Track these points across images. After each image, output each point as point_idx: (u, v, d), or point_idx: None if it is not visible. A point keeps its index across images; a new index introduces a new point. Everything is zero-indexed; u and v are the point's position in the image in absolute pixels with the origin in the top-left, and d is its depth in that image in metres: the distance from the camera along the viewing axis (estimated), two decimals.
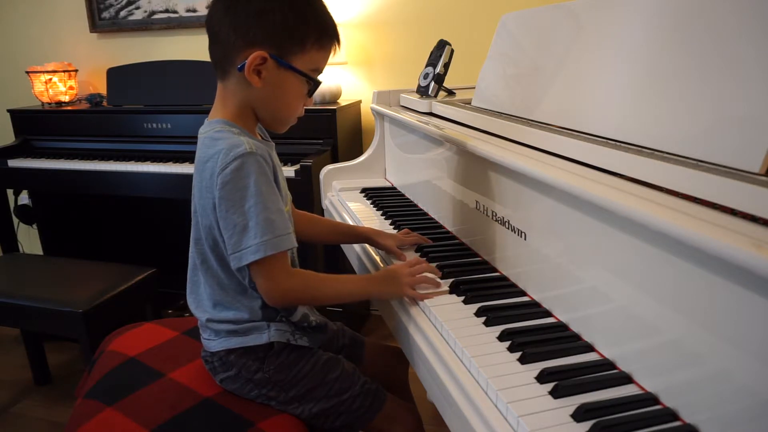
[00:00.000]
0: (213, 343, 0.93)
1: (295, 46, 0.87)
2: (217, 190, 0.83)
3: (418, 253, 1.13)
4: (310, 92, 0.92)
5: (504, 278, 0.99)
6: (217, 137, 0.86)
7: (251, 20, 0.85)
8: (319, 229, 1.17)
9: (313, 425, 0.97)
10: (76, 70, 2.49)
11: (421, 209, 1.41)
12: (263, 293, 0.88)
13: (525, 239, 0.92)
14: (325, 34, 0.89)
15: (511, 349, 0.77)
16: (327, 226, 1.19)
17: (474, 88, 1.33)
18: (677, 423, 0.62)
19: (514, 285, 0.96)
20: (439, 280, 0.98)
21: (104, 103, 2.37)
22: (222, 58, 0.88)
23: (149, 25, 2.48)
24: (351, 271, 1.36)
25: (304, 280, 0.91)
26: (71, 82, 2.46)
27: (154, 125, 2.21)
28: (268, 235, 0.83)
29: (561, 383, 0.69)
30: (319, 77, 0.92)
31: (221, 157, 0.83)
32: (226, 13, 0.86)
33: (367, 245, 1.22)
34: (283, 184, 0.94)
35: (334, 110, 2.00)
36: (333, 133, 2.02)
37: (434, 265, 1.05)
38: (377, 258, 1.16)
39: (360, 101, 2.26)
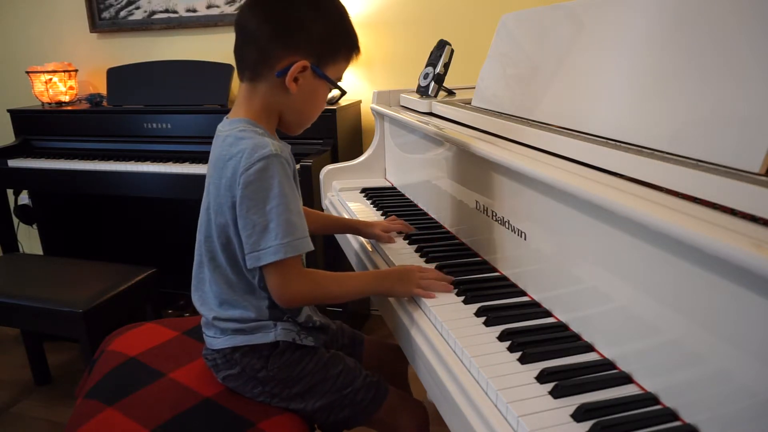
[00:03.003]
0: (217, 341, 0.93)
1: (329, 56, 0.91)
2: (240, 189, 0.84)
3: (414, 246, 1.13)
4: (332, 99, 0.96)
5: (504, 278, 0.99)
6: (242, 136, 0.87)
7: (294, 29, 0.87)
8: (310, 221, 1.17)
9: (317, 420, 0.97)
10: (76, 70, 2.49)
11: (421, 209, 1.41)
12: (273, 293, 0.88)
13: (525, 239, 0.92)
14: (354, 45, 0.95)
15: (511, 349, 0.77)
16: (317, 219, 1.22)
17: (474, 88, 1.33)
18: (677, 423, 0.62)
19: (514, 285, 0.96)
20: (450, 286, 0.96)
21: (104, 103, 2.37)
22: (257, 62, 0.89)
23: (149, 25, 2.48)
24: (350, 268, 1.36)
25: (314, 281, 0.91)
26: (71, 82, 2.46)
27: (154, 125, 2.21)
28: (289, 237, 0.83)
29: (561, 383, 0.69)
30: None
31: (245, 157, 0.83)
32: (266, 19, 0.87)
33: (364, 242, 1.23)
34: (298, 186, 0.95)
35: (334, 110, 1.99)
36: (333, 133, 2.02)
37: (435, 264, 1.05)
38: (375, 258, 1.16)
39: (360, 101, 2.26)
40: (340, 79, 0.96)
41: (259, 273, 0.89)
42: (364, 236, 1.21)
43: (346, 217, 1.43)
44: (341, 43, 0.92)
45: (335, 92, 0.98)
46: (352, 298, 0.99)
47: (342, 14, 0.93)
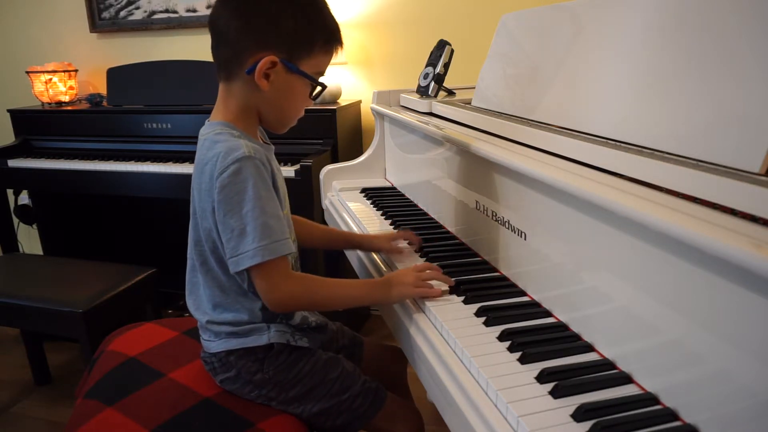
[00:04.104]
0: (213, 344, 0.93)
1: (303, 50, 0.87)
2: (216, 194, 0.83)
3: (419, 253, 1.13)
4: (315, 95, 0.93)
5: (504, 278, 0.99)
6: (217, 139, 0.86)
7: (262, 24, 0.84)
8: (310, 235, 1.13)
9: (314, 424, 0.97)
10: (76, 70, 2.49)
11: (421, 209, 1.41)
12: (262, 297, 0.87)
13: (525, 239, 0.92)
14: (332, 38, 0.90)
15: (511, 349, 0.77)
16: (319, 231, 1.16)
17: (474, 88, 1.33)
18: (677, 423, 0.62)
19: (514, 285, 0.96)
20: (446, 287, 0.95)
21: (104, 103, 2.37)
22: (229, 60, 0.87)
23: (149, 25, 2.48)
24: (352, 272, 1.36)
25: (305, 285, 0.89)
26: (71, 82, 2.46)
27: (154, 125, 2.21)
28: (266, 240, 0.82)
29: (561, 383, 0.69)
30: (320, 79, 0.92)
31: (219, 161, 0.82)
32: (235, 15, 0.85)
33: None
34: (283, 189, 0.93)
35: (334, 110, 2.00)
36: (333, 133, 2.02)
37: (435, 265, 1.05)
38: (378, 260, 1.16)
39: (360, 101, 2.26)
40: (322, 73, 0.92)
41: (247, 276, 0.88)
42: (369, 250, 1.16)
43: (348, 218, 1.43)
44: (317, 36, 0.88)
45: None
46: (346, 306, 0.95)
47: (317, 6, 0.88)
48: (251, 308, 0.91)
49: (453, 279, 0.97)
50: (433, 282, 0.95)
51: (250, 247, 0.82)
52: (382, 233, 1.17)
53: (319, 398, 0.94)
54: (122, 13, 2.52)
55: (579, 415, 0.64)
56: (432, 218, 1.33)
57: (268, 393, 0.93)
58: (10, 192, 2.41)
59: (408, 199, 1.50)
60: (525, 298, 0.92)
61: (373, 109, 1.67)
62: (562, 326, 0.83)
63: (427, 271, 0.97)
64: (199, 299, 0.94)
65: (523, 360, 0.75)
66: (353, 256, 1.31)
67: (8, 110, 2.37)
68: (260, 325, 0.92)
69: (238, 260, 0.83)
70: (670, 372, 0.64)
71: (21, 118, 2.37)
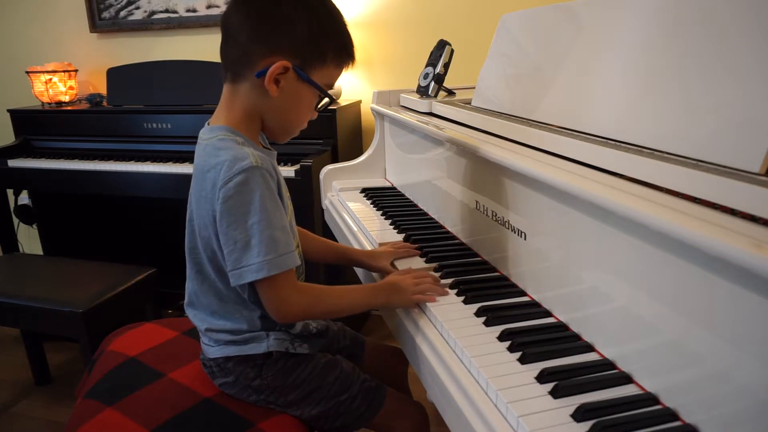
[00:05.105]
0: (211, 350, 0.93)
1: (316, 59, 0.86)
2: (219, 204, 0.81)
3: (423, 258, 1.12)
4: (320, 107, 0.91)
5: (504, 278, 0.99)
6: (221, 146, 0.83)
7: (276, 28, 0.83)
8: (312, 247, 1.11)
9: (314, 426, 0.97)
10: (76, 70, 2.49)
11: (421, 209, 1.41)
12: (270, 311, 0.86)
13: (525, 239, 0.92)
14: (345, 51, 0.89)
15: (511, 349, 0.77)
16: (321, 245, 1.14)
17: (474, 88, 1.33)
18: (677, 423, 0.62)
19: (514, 285, 0.96)
20: (446, 289, 0.95)
21: (104, 103, 2.37)
22: (238, 61, 0.85)
23: (149, 25, 2.48)
24: (353, 276, 1.36)
25: (312, 296, 0.88)
26: (71, 82, 2.46)
27: (154, 125, 2.21)
28: (272, 254, 0.80)
29: (561, 383, 0.69)
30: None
31: (224, 170, 0.80)
32: (249, 17, 0.83)
33: (367, 246, 1.22)
34: (286, 195, 0.92)
35: (334, 110, 1.99)
36: (333, 133, 2.02)
37: (434, 265, 1.05)
38: None
39: (360, 101, 2.26)
40: (330, 86, 0.91)
41: (248, 287, 0.87)
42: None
43: (348, 218, 1.43)
44: (330, 45, 0.87)
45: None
46: (351, 312, 0.95)
47: (333, 16, 0.88)
48: (250, 317, 0.90)
49: (452, 279, 0.97)
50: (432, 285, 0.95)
51: (255, 260, 0.80)
52: (383, 250, 1.13)
53: (317, 401, 0.94)
54: (122, 13, 2.52)
55: (579, 415, 0.64)
56: (432, 218, 1.33)
57: (267, 397, 0.93)
58: (10, 192, 2.41)
59: (408, 199, 1.50)
60: (525, 298, 0.92)
61: (373, 109, 1.67)
62: (562, 326, 0.83)
63: (424, 278, 0.95)
64: (198, 307, 0.93)
65: (523, 360, 0.75)
66: None
67: (8, 110, 2.37)
68: (259, 334, 0.91)
69: (241, 273, 0.81)
70: (670, 372, 0.64)
71: (21, 118, 2.37)
